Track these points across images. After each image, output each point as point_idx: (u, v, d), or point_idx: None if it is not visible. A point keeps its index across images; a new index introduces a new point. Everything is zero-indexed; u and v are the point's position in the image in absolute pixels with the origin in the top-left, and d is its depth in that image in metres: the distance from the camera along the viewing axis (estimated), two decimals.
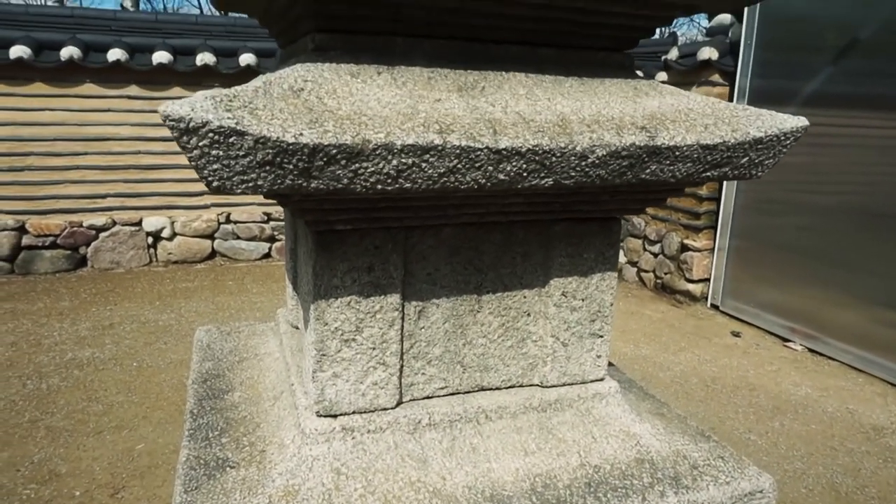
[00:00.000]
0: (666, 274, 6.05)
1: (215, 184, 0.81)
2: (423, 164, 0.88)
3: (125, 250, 6.29)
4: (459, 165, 0.90)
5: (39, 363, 4.18)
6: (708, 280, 5.73)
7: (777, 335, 5.06)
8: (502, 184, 0.95)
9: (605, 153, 0.98)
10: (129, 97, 5.96)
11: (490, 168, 0.92)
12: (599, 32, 1.14)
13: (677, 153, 1.03)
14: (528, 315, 1.27)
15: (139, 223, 6.26)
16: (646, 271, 6.35)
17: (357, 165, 0.85)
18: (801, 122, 1.09)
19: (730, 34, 5.42)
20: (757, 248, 5.31)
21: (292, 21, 1.12)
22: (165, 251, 6.42)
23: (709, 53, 5.22)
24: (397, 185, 0.89)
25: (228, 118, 0.78)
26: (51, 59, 5.59)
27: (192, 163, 0.79)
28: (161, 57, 5.76)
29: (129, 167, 6.09)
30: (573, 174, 0.98)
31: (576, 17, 1.09)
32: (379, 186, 0.88)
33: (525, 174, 0.95)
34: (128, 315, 5.07)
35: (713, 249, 5.65)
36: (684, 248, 5.77)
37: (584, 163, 0.97)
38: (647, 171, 1.03)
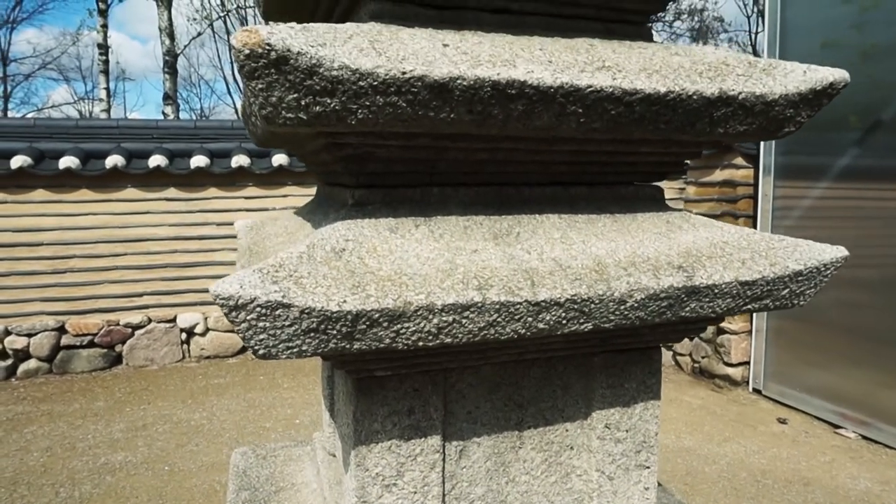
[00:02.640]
0: (703, 357, 5.89)
1: (261, 352, 0.83)
2: (464, 321, 0.89)
3: (159, 347, 6.37)
4: (499, 319, 0.91)
5: (73, 469, 4.16)
6: (748, 363, 5.55)
7: (827, 421, 4.83)
8: (542, 332, 0.95)
9: (643, 297, 0.98)
10: (168, 199, 6.22)
11: (529, 319, 0.93)
12: (629, 170, 1.17)
13: (716, 291, 1.02)
14: (572, 449, 1.24)
15: (174, 320, 6.37)
16: (682, 354, 6.19)
17: (399, 326, 0.86)
18: (840, 252, 1.09)
19: None
20: (798, 327, 5.16)
21: (333, 174, 1.17)
22: (198, 346, 6.49)
23: None
24: (438, 341, 0.90)
25: (275, 291, 0.80)
26: (96, 168, 5.91)
27: (240, 334, 0.81)
28: (199, 161, 6.05)
29: (166, 266, 6.27)
30: (612, 318, 0.98)
31: (606, 159, 1.12)
32: (420, 343, 0.89)
33: (564, 322, 0.95)
34: (161, 415, 5.07)
35: (751, 331, 5.50)
36: (720, 330, 5.64)
37: (622, 307, 0.97)
38: (687, 309, 1.02)
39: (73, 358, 6.17)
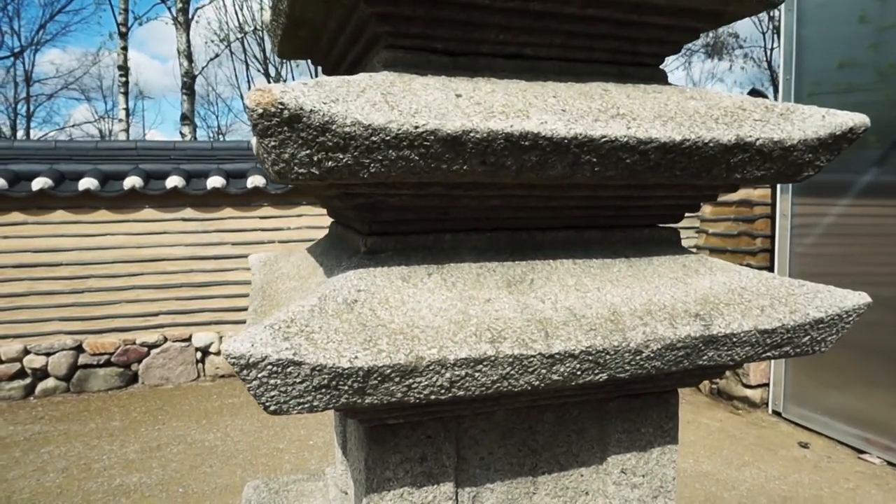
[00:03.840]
0: (721, 378, 5.80)
1: (272, 408, 0.82)
2: (477, 374, 0.88)
3: (175, 366, 6.40)
4: (512, 372, 0.90)
5: (88, 490, 4.18)
6: (767, 385, 5.46)
7: (850, 446, 4.72)
8: (556, 383, 0.93)
9: (659, 347, 0.96)
10: (184, 219, 6.28)
11: (543, 371, 0.91)
12: (644, 213, 1.16)
13: (734, 339, 1.00)
14: (587, 494, 1.22)
15: (189, 339, 6.41)
16: None
17: (411, 381, 0.86)
18: (863, 298, 1.06)
19: None
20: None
21: (346, 217, 1.17)
22: (213, 366, 6.52)
23: None
24: (451, 395, 0.89)
25: (286, 349, 0.80)
26: (115, 189, 5.99)
27: (251, 391, 0.81)
28: (215, 182, 6.11)
29: (182, 285, 6.32)
30: (628, 368, 0.96)
31: (620, 203, 1.11)
32: (433, 397, 0.88)
33: (579, 373, 0.94)
34: (175, 435, 5.08)
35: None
36: None
37: (638, 357, 0.96)
38: (705, 357, 1.01)
39: (90, 377, 6.22)
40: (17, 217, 5.94)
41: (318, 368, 0.81)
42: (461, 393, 0.89)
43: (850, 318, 1.06)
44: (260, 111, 0.78)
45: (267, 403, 0.82)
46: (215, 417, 5.47)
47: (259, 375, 0.79)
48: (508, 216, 1.08)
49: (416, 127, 0.84)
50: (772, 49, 19.11)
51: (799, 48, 5.10)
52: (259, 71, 16.23)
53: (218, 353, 6.51)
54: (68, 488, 4.20)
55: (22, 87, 19.14)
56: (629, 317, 0.98)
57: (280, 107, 0.78)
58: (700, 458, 4.62)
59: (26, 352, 6.03)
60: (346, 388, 0.83)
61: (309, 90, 0.82)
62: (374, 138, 0.83)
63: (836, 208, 4.92)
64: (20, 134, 20.09)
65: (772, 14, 16.32)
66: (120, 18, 11.44)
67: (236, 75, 30.85)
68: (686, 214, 1.25)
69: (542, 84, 1.05)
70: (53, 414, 5.64)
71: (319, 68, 1.54)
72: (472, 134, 0.86)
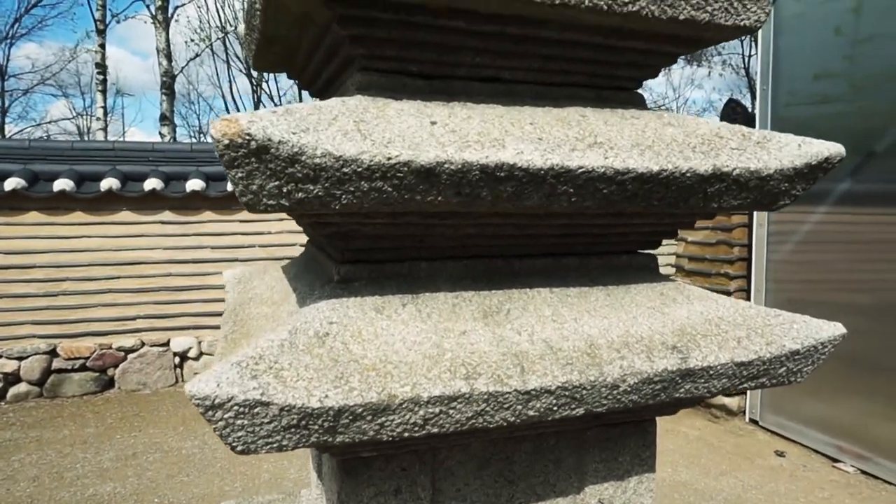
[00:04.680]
0: None
1: (239, 448, 0.79)
2: (451, 411, 0.86)
3: (152, 371, 6.30)
4: (488, 408, 0.88)
5: (60, 500, 4.09)
6: (744, 393, 5.51)
7: (825, 454, 4.78)
8: (532, 419, 0.92)
9: (636, 381, 0.95)
10: (163, 222, 6.19)
11: (519, 407, 0.90)
12: (621, 240, 1.14)
13: (711, 372, 0.99)
14: None
15: (167, 344, 6.32)
16: None
17: (383, 419, 0.83)
18: (838, 329, 1.06)
19: None
20: None
21: (319, 243, 1.14)
22: (191, 371, 6.42)
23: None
24: (424, 432, 0.87)
25: (254, 388, 0.77)
26: (91, 190, 5.89)
27: (217, 432, 0.78)
28: (194, 185, 6.03)
29: (160, 289, 6.22)
30: (605, 402, 0.95)
31: (598, 231, 1.10)
32: (406, 434, 0.86)
33: (555, 408, 0.92)
34: (151, 443, 5.00)
35: None
36: None
37: (615, 392, 0.94)
38: (682, 390, 1.00)
39: (65, 382, 6.10)
40: None
41: (286, 409, 0.78)
42: (435, 430, 0.87)
43: (826, 350, 1.06)
44: (226, 142, 0.75)
45: (234, 444, 0.79)
46: (193, 424, 5.39)
47: (225, 416, 0.76)
48: (485, 244, 1.06)
49: (389, 158, 0.82)
50: (750, 56, 19.36)
51: (776, 59, 5.16)
52: (241, 71, 16.06)
53: (196, 359, 6.43)
54: (39, 498, 4.11)
55: None
56: (606, 350, 0.97)
57: (247, 138, 0.75)
58: (678, 467, 4.65)
59: None
60: (317, 427, 0.81)
61: (278, 119, 0.80)
62: (345, 170, 0.81)
63: (812, 216, 4.98)
64: None
65: None
66: (97, 15, 11.25)
67: (218, 74, 30.58)
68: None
69: (519, 109, 1.03)
70: (25, 420, 5.52)
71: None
72: (446, 165, 0.84)
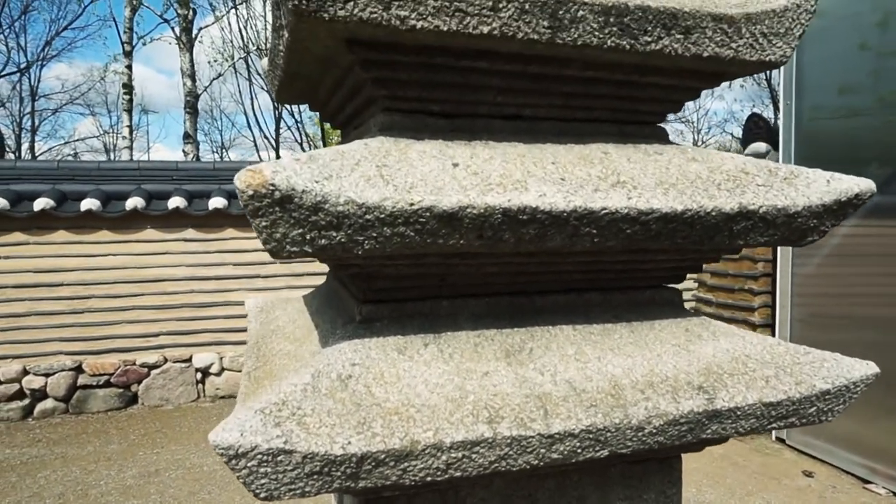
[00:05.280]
0: None
1: (263, 495, 0.80)
2: (474, 456, 0.86)
3: (174, 387, 6.37)
4: (510, 452, 0.87)
5: None
6: None
7: (855, 475, 4.65)
8: (555, 462, 0.91)
9: (662, 423, 0.93)
10: (186, 240, 6.27)
11: (542, 451, 0.89)
12: (645, 275, 1.13)
13: (738, 413, 0.98)
14: None
15: (189, 360, 6.38)
16: None
17: (406, 464, 0.83)
18: (871, 369, 1.04)
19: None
20: None
21: (341, 279, 1.15)
22: (213, 386, 6.48)
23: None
24: (447, 476, 0.86)
25: (277, 437, 0.77)
26: (117, 209, 5.99)
27: (240, 479, 0.78)
28: (217, 202, 6.11)
29: (183, 306, 6.30)
30: (630, 444, 0.94)
31: (621, 266, 1.09)
32: (429, 479, 0.85)
33: (579, 451, 0.91)
34: (174, 459, 5.04)
35: None
36: None
37: (640, 434, 0.93)
38: (708, 431, 0.98)
39: (90, 398, 6.18)
40: (19, 237, 5.94)
41: (309, 456, 0.78)
42: (458, 474, 0.86)
43: (858, 389, 1.03)
44: (250, 192, 0.76)
45: (257, 491, 0.79)
46: None
47: (249, 465, 0.77)
48: (507, 281, 1.06)
49: (412, 204, 0.82)
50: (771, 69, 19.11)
51: (799, 73, 5.10)
52: (263, 88, 16.30)
53: (218, 374, 6.48)
54: None
55: (27, 102, 19.26)
56: (630, 390, 0.96)
57: (271, 188, 0.76)
58: (703, 487, 4.56)
59: (25, 372, 6.01)
60: (339, 473, 0.81)
61: (301, 167, 0.81)
62: (368, 216, 0.81)
63: (840, 229, 4.89)
64: (24, 147, 20.18)
65: None
66: (125, 37, 11.53)
67: (240, 91, 31.06)
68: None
69: (541, 148, 1.03)
70: (51, 436, 5.60)
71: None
72: (469, 209, 0.84)
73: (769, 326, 5.42)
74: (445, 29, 0.89)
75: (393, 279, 0.99)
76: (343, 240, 0.82)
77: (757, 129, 5.76)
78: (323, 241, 0.81)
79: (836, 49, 4.84)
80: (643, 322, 1.11)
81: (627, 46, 0.98)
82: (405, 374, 0.92)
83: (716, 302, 6.13)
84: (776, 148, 5.38)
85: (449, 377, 0.93)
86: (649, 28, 0.98)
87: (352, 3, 0.84)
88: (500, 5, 0.90)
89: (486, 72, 1.01)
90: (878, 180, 4.56)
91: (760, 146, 5.55)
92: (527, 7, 0.91)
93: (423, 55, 0.96)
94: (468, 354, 0.98)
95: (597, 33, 0.96)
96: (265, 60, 1.44)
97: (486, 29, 0.91)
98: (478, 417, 0.87)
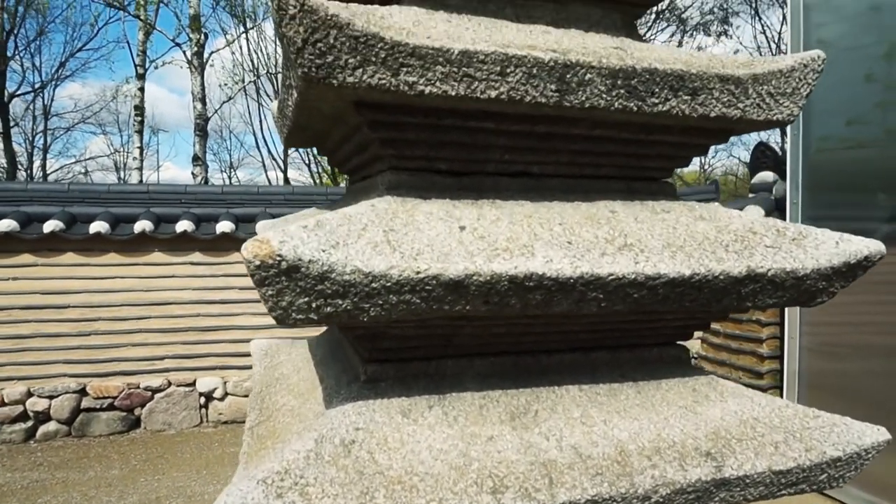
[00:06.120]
0: None
1: None
2: None
3: (178, 411, 6.34)
4: None
5: None
6: None
7: None
8: None
9: (668, 492, 0.92)
10: (193, 263, 6.29)
11: None
12: (652, 334, 1.12)
13: (747, 481, 0.96)
14: None
15: (193, 384, 6.36)
16: None
17: None
18: (882, 435, 1.02)
19: (773, 191, 5.44)
20: (834, 404, 4.94)
21: (350, 339, 1.14)
22: (216, 411, 6.45)
23: (754, 212, 5.21)
24: None
25: None
26: (125, 232, 6.02)
27: None
28: (224, 226, 6.14)
29: (188, 329, 6.29)
30: None
31: (628, 326, 1.08)
32: None
33: None
34: (175, 486, 5.00)
35: None
36: None
37: (646, 503, 0.91)
38: (716, 499, 0.96)
39: (93, 421, 6.16)
40: (28, 259, 5.97)
41: None
42: None
43: (870, 456, 1.02)
44: (257, 263, 0.76)
45: None
46: (216, 468, 5.38)
47: None
48: (513, 341, 1.05)
49: (418, 272, 0.82)
50: None
51: (806, 105, 5.11)
52: (271, 110, 16.45)
53: (221, 399, 6.45)
54: None
55: (40, 121, 19.53)
56: (637, 457, 0.94)
57: (278, 258, 0.76)
58: None
59: (29, 394, 5.99)
60: None
61: (308, 236, 0.81)
62: (374, 285, 0.81)
63: None
64: (36, 165, 20.39)
65: None
66: (137, 61, 11.72)
67: (249, 112, 31.36)
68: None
69: (548, 207, 1.03)
70: (53, 460, 5.57)
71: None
72: (475, 277, 0.84)
73: (777, 358, 5.36)
74: (453, 94, 0.90)
75: (398, 339, 0.99)
76: (349, 307, 0.82)
77: (764, 159, 5.76)
78: (329, 308, 0.81)
79: (843, 80, 4.85)
80: (650, 381, 1.10)
81: (635, 108, 0.98)
82: (409, 438, 0.91)
83: (723, 332, 6.08)
84: (783, 177, 5.38)
85: (453, 442, 0.92)
86: (657, 90, 0.99)
87: (360, 70, 0.85)
88: (508, 70, 0.91)
89: (493, 132, 1.01)
90: (886, 211, 4.55)
91: (768, 175, 5.55)
92: (534, 72, 0.92)
93: (431, 117, 0.96)
94: (473, 417, 0.97)
95: (604, 96, 0.96)
96: (275, 105, 1.45)
97: (493, 93, 0.91)
98: (482, 487, 0.85)
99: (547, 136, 1.04)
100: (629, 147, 1.10)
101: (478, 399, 1.00)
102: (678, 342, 1.18)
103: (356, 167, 1.31)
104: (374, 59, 0.85)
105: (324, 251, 0.79)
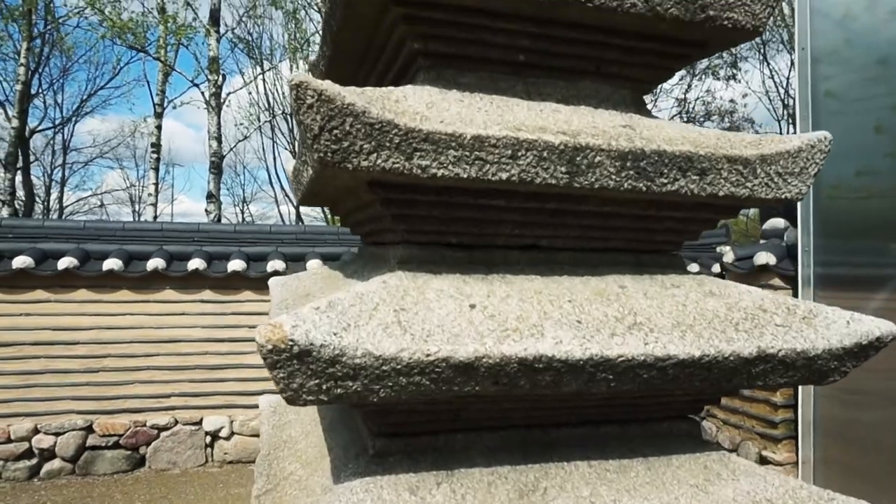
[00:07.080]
0: None
1: None
2: None
3: (183, 450, 6.29)
4: None
5: None
6: (795, 464, 5.18)
7: None
8: None
9: None
10: (203, 301, 6.32)
11: None
12: (663, 407, 1.12)
13: None
14: None
15: (199, 422, 6.32)
16: None
17: None
18: None
19: (785, 238, 5.43)
20: (852, 454, 4.83)
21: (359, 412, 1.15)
22: (222, 451, 6.39)
23: (766, 259, 5.20)
24: None
25: None
26: (138, 269, 6.08)
27: None
28: (235, 265, 6.19)
29: (196, 367, 6.29)
30: None
31: (638, 401, 1.07)
32: None
33: None
34: None
35: (797, 462, 5.17)
36: (763, 460, 5.31)
37: None
38: None
39: (97, 459, 6.11)
40: (41, 295, 6.03)
41: None
42: None
43: None
44: (270, 347, 0.77)
45: None
46: None
47: None
48: (522, 416, 1.05)
49: (428, 355, 0.83)
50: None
51: None
52: (285, 148, 16.75)
53: (228, 438, 6.40)
54: None
55: (59, 155, 19.93)
56: None
57: (290, 343, 0.77)
58: None
59: (36, 430, 5.98)
60: None
61: (320, 318, 0.82)
62: (384, 367, 0.82)
63: (871, 303, 4.79)
64: (53, 197, 20.71)
65: (786, 103, 16.60)
66: (156, 100, 12.02)
67: (263, 149, 31.89)
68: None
69: (558, 282, 1.04)
70: (56, 499, 5.52)
71: None
72: (485, 360, 0.84)
73: (791, 407, 5.27)
74: (465, 176, 0.92)
75: (406, 414, 0.99)
76: (359, 389, 0.82)
77: (776, 205, 5.77)
78: (339, 390, 0.82)
79: (852, 130, 4.88)
80: (660, 457, 1.09)
81: (644, 188, 1.00)
82: None
83: None
84: (794, 223, 5.37)
85: None
86: (665, 171, 1.00)
87: (375, 155, 0.87)
88: (519, 154, 0.93)
89: (503, 208, 1.03)
90: None
91: (779, 222, 5.54)
92: (545, 155, 0.94)
93: (443, 195, 0.98)
94: (481, 496, 0.96)
95: (614, 177, 0.98)
96: (290, 166, 1.48)
97: (504, 175, 0.93)
98: None
99: (556, 212, 1.06)
100: (638, 222, 1.11)
101: (486, 476, 0.99)
102: (689, 415, 1.17)
103: (369, 233, 1.33)
104: (388, 144, 0.87)
105: (335, 334, 0.80)
